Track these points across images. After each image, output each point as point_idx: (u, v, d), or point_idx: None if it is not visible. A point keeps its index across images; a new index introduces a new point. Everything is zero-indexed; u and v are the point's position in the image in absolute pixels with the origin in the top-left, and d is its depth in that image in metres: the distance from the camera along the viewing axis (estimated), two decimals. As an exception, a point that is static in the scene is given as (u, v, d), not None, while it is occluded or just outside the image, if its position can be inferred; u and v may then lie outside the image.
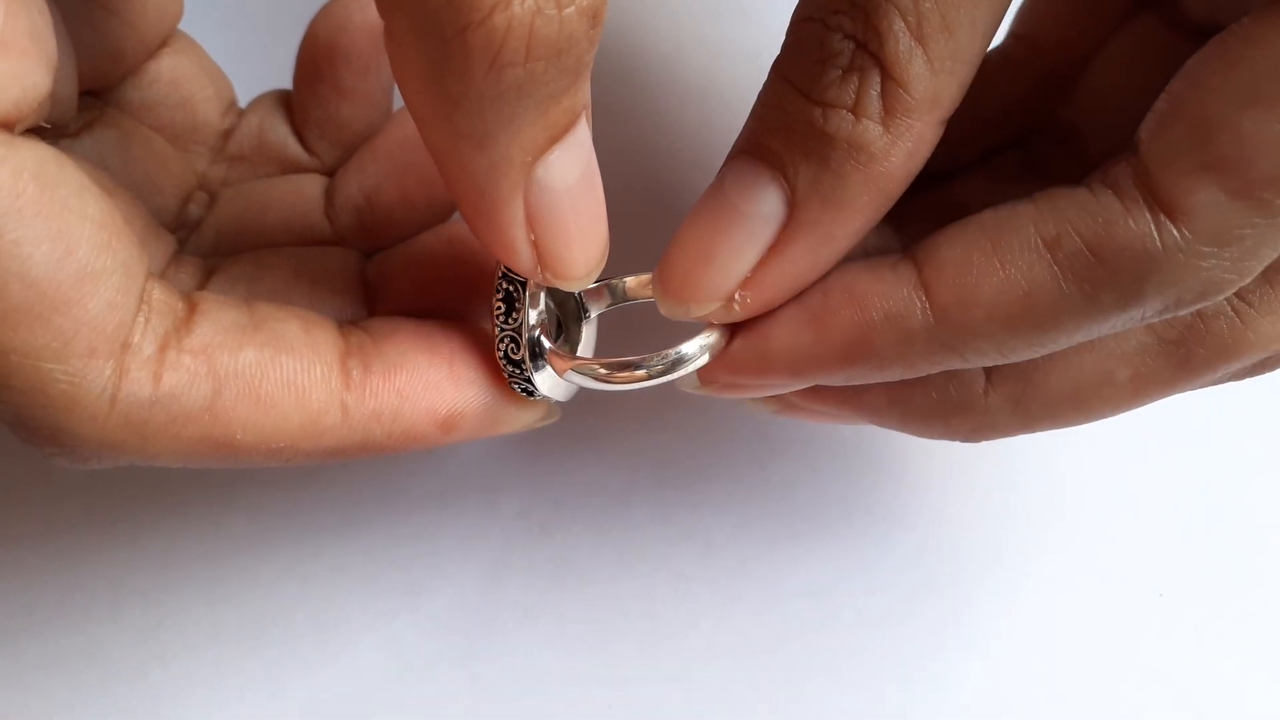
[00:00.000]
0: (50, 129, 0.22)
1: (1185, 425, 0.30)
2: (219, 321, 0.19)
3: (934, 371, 0.20)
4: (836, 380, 0.20)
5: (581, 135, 0.17)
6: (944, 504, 0.29)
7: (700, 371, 0.21)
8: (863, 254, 0.21)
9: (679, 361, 0.20)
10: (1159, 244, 0.17)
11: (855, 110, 0.18)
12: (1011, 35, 0.25)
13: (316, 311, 0.21)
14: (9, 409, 0.17)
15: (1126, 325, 0.19)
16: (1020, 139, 0.25)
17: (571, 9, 0.15)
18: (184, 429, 0.18)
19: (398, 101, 0.26)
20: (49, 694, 0.27)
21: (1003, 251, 0.18)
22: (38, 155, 0.16)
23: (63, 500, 0.29)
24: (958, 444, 0.25)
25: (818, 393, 0.23)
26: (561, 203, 0.18)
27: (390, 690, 0.27)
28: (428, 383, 0.20)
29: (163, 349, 0.18)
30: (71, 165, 0.17)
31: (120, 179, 0.23)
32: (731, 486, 0.29)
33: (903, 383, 0.22)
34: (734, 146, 0.20)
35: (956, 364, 0.19)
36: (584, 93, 0.17)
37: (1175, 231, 0.17)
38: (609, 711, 0.27)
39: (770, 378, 0.21)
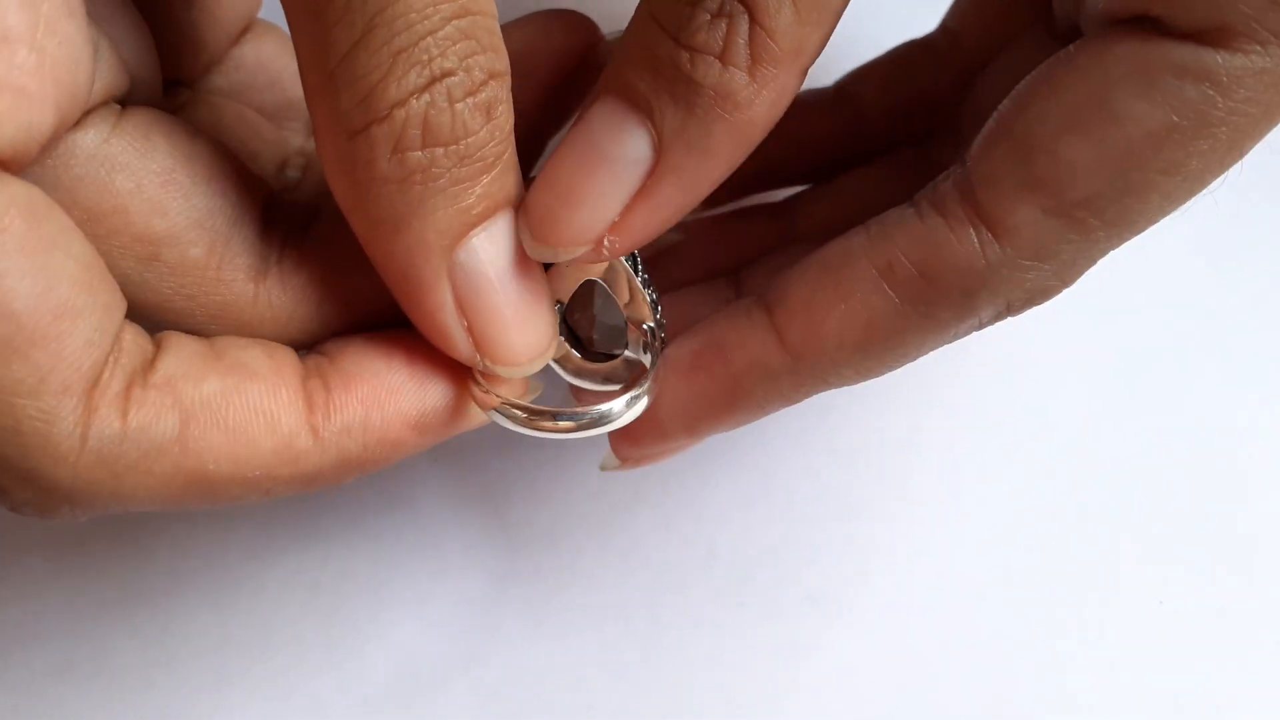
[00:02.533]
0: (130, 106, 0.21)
1: (1187, 432, 0.30)
2: (180, 353, 0.19)
3: (804, 398, 0.21)
4: (725, 427, 0.22)
5: (504, 225, 0.19)
6: (945, 511, 0.29)
7: (614, 451, 0.23)
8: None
9: (605, 417, 0.20)
10: (984, 260, 0.19)
11: (723, 57, 0.18)
12: (940, 27, 0.26)
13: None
14: None
15: (967, 331, 0.20)
16: (926, 135, 0.26)
17: (462, 104, 0.17)
18: (155, 464, 0.18)
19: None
20: (57, 701, 0.27)
21: (843, 286, 0.20)
22: (28, 193, 0.16)
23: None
24: (961, 450, 0.25)
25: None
26: (490, 287, 0.19)
27: (395, 697, 0.27)
28: (389, 387, 0.20)
29: (129, 386, 0.18)
30: (59, 209, 0.17)
31: (214, 144, 0.22)
32: (734, 494, 0.29)
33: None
34: (600, 82, 0.20)
35: (822, 389, 0.21)
36: (502, 183, 0.18)
37: (998, 248, 0.19)
38: (613, 717, 0.27)
39: (670, 440, 0.22)
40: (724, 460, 0.29)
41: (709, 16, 0.18)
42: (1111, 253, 0.20)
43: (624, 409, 0.20)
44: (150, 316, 0.21)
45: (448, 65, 0.17)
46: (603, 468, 0.24)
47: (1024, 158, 0.18)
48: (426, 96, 0.17)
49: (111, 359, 0.18)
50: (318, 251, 0.21)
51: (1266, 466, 0.30)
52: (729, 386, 0.21)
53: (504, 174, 0.18)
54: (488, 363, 0.19)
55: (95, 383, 0.17)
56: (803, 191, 0.27)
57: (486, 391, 0.20)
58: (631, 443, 0.22)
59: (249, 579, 0.28)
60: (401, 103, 0.17)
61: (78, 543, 0.28)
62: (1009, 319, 0.21)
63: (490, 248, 0.18)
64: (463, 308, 0.19)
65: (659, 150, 0.19)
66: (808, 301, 0.20)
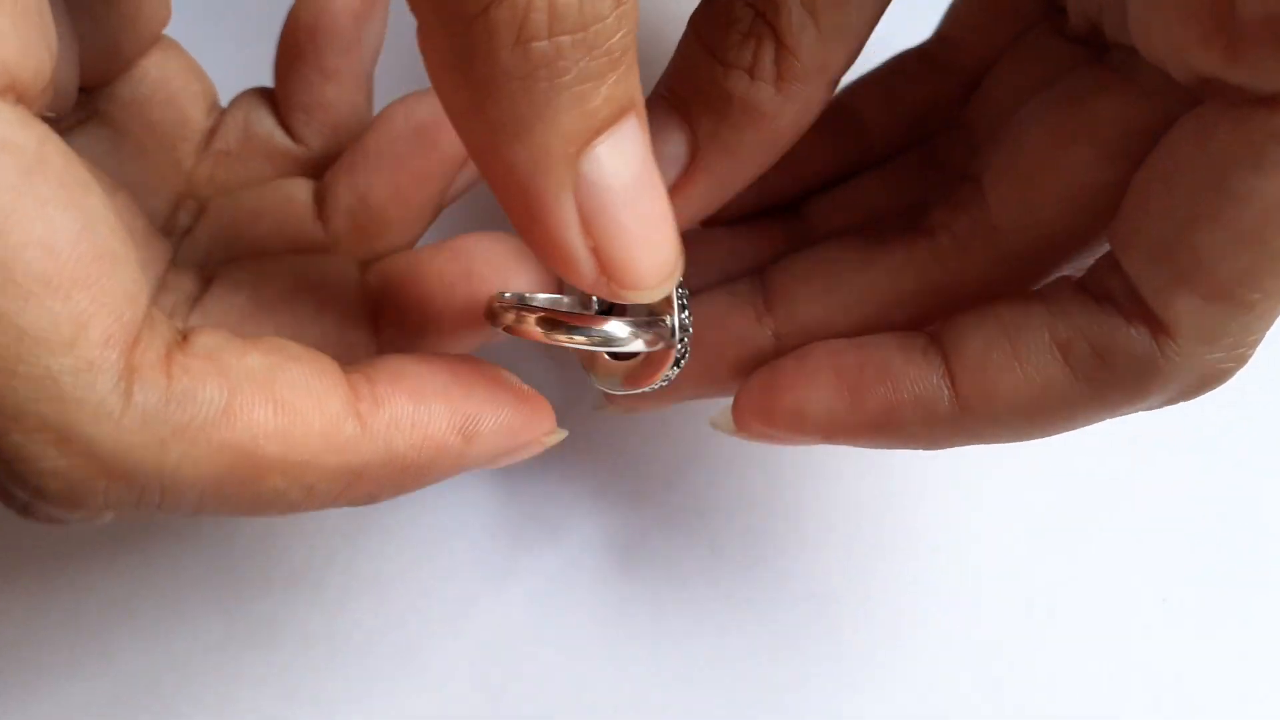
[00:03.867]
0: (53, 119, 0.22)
1: (1190, 431, 0.30)
2: (214, 334, 0.17)
3: (951, 447, 0.22)
4: (860, 445, 0.22)
5: (631, 131, 0.17)
6: (949, 509, 0.29)
7: (736, 419, 0.23)
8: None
9: (615, 341, 0.20)
10: (1156, 352, 0.19)
11: (752, 72, 0.20)
12: (935, 36, 0.27)
13: (320, 320, 0.21)
14: (9, 409, 0.15)
15: (1133, 413, 0.21)
16: (926, 137, 0.27)
17: None
18: (202, 434, 0.16)
19: (381, 89, 0.26)
20: (63, 699, 0.27)
21: (1020, 351, 0.20)
22: (55, 136, 0.15)
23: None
24: (965, 450, 0.25)
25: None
26: (617, 201, 0.17)
27: (400, 693, 0.27)
28: (436, 387, 0.19)
29: (169, 353, 0.16)
30: (77, 158, 0.16)
31: (115, 179, 0.23)
32: (738, 491, 0.29)
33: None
34: (655, 87, 0.21)
35: (974, 443, 0.21)
36: (627, 85, 0.16)
37: (1169, 341, 0.19)
38: (616, 714, 0.27)
39: (802, 436, 0.22)
40: (727, 457, 0.30)
41: (740, 36, 0.20)
42: None
43: (628, 337, 0.20)
44: None
45: None
46: (715, 426, 0.24)
47: (1164, 254, 0.19)
48: None
49: (148, 323, 0.16)
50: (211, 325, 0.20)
51: (1272, 462, 0.30)
52: (887, 411, 0.21)
53: (629, 71, 0.16)
54: (614, 286, 0.18)
55: (136, 341, 0.16)
56: (811, 195, 0.27)
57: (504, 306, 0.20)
58: (766, 422, 0.22)
59: (254, 576, 0.28)
60: None
61: (83, 542, 0.28)
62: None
63: (616, 157, 0.17)
64: (587, 225, 0.17)
65: (693, 149, 0.21)
66: (984, 358, 0.20)
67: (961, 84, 0.26)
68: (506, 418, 0.20)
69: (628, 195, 0.17)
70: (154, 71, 0.25)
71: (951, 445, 0.21)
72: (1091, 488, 0.30)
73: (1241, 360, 0.20)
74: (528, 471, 0.29)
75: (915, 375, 0.21)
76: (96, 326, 0.15)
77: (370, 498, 0.19)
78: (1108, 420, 0.21)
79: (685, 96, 0.21)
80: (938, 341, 0.21)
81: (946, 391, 0.21)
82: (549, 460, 0.30)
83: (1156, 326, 0.19)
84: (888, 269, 0.23)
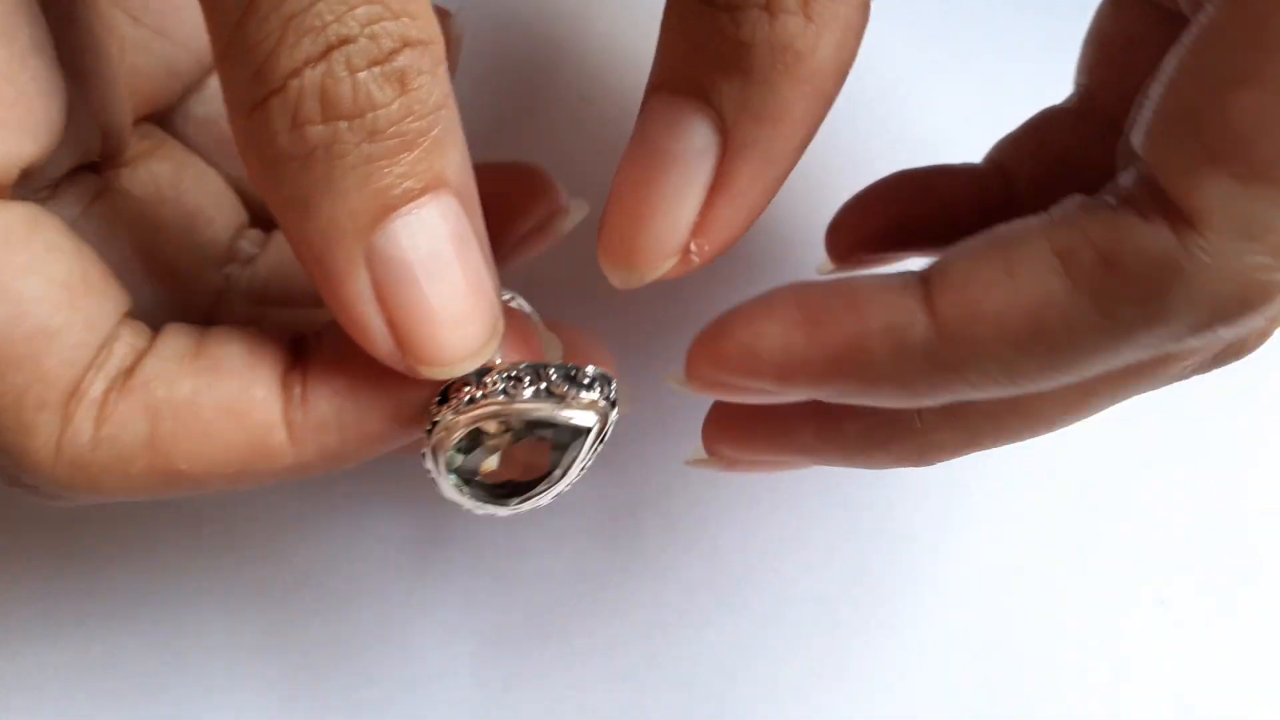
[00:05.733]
0: (101, 161, 0.22)
1: (1187, 431, 0.30)
2: (164, 352, 0.19)
3: (933, 402, 0.18)
4: (825, 394, 0.19)
5: (435, 208, 0.17)
6: (949, 511, 0.29)
7: (687, 365, 0.20)
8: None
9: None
10: (1179, 249, 0.15)
11: (769, 7, 0.16)
12: (1075, 88, 0.24)
13: None
14: None
15: (1155, 350, 0.16)
16: (1083, 189, 0.24)
17: (366, 73, 0.16)
18: (128, 466, 0.18)
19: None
20: (68, 701, 0.27)
21: (1013, 263, 0.17)
22: (5, 218, 0.17)
23: (80, 509, 0.29)
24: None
25: (751, 441, 0.22)
26: (413, 276, 0.17)
27: (401, 697, 0.27)
28: (368, 378, 0.19)
29: (108, 391, 0.18)
30: (47, 223, 0.17)
31: (172, 209, 0.23)
32: (738, 494, 0.29)
33: (831, 414, 0.21)
34: (647, 85, 0.18)
35: (957, 389, 0.18)
36: (430, 163, 0.16)
37: (1195, 236, 0.15)
38: (618, 715, 0.27)
39: (756, 378, 0.19)
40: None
41: None
42: None
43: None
44: None
45: (345, 31, 0.15)
46: (666, 380, 0.21)
47: (1192, 128, 0.15)
48: (323, 65, 0.15)
49: (95, 366, 0.18)
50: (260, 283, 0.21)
51: (1269, 465, 0.30)
52: (852, 344, 0.18)
53: (432, 153, 0.16)
54: (410, 361, 0.17)
55: (74, 393, 0.18)
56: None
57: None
58: (714, 364, 0.19)
59: (258, 581, 0.28)
60: (296, 72, 0.15)
61: (88, 544, 0.28)
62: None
63: (415, 233, 0.16)
64: (382, 299, 0.17)
65: (724, 131, 0.17)
66: (969, 274, 0.17)
67: (1104, 132, 0.23)
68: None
69: (426, 271, 0.17)
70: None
71: (933, 393, 0.18)
72: (1088, 489, 0.30)
73: (1272, 287, 0.15)
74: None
75: (886, 300, 0.18)
76: (30, 396, 0.17)
77: (320, 474, 0.20)
78: (1119, 364, 0.17)
79: (691, 73, 0.17)
80: (922, 274, 0.18)
81: (922, 315, 0.17)
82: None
83: (1179, 219, 0.15)
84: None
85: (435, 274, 0.17)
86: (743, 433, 0.22)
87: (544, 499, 0.20)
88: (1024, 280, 0.16)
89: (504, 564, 0.29)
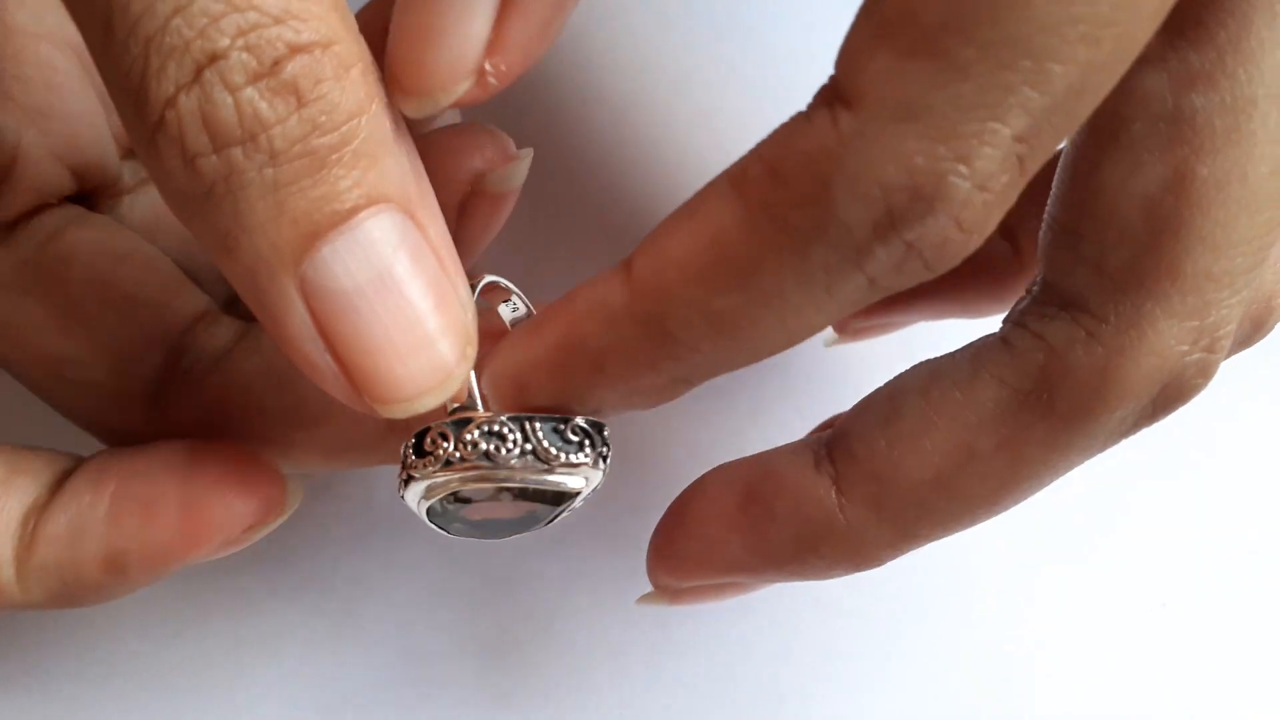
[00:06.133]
0: (97, 192, 0.23)
1: (1188, 434, 0.30)
2: None
3: (661, 376, 0.16)
4: (572, 397, 0.17)
5: (369, 226, 0.15)
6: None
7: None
8: None
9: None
10: (834, 135, 0.14)
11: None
12: None
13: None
14: None
15: (841, 263, 0.14)
16: None
17: (250, 90, 0.14)
18: None
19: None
20: (72, 702, 0.27)
21: (695, 202, 0.16)
22: None
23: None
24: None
25: (684, 563, 0.21)
26: (350, 305, 0.15)
27: (405, 699, 0.27)
28: (81, 525, 0.18)
29: None
30: None
31: (171, 236, 0.22)
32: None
33: (752, 526, 0.20)
34: None
35: (673, 351, 0.16)
36: (356, 181, 0.15)
37: (849, 116, 0.14)
38: (620, 717, 0.27)
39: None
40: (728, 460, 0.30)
41: None
42: None
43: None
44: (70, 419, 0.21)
45: (213, 47, 0.14)
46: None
47: (867, 6, 0.14)
48: (196, 89, 0.14)
49: None
50: (219, 383, 0.20)
51: (1274, 467, 0.30)
52: (567, 331, 0.17)
53: (355, 168, 0.15)
54: (365, 399, 0.15)
55: None
56: None
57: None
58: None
59: (262, 583, 0.28)
60: (170, 101, 0.14)
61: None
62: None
63: (347, 259, 0.15)
64: (324, 335, 0.15)
65: None
66: (655, 233, 0.16)
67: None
68: (158, 542, 0.19)
69: (367, 298, 0.15)
70: None
71: (653, 362, 0.16)
72: (1091, 492, 0.30)
73: (961, 155, 0.13)
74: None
75: (593, 283, 0.16)
76: None
77: (57, 609, 0.20)
78: (819, 294, 0.15)
79: None
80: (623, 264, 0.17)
81: (620, 281, 0.16)
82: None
83: (840, 105, 0.14)
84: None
85: (379, 300, 0.15)
86: (676, 554, 0.21)
87: (534, 530, 0.19)
88: (702, 214, 0.15)
89: (506, 567, 0.29)
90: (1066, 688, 0.28)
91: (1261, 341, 0.31)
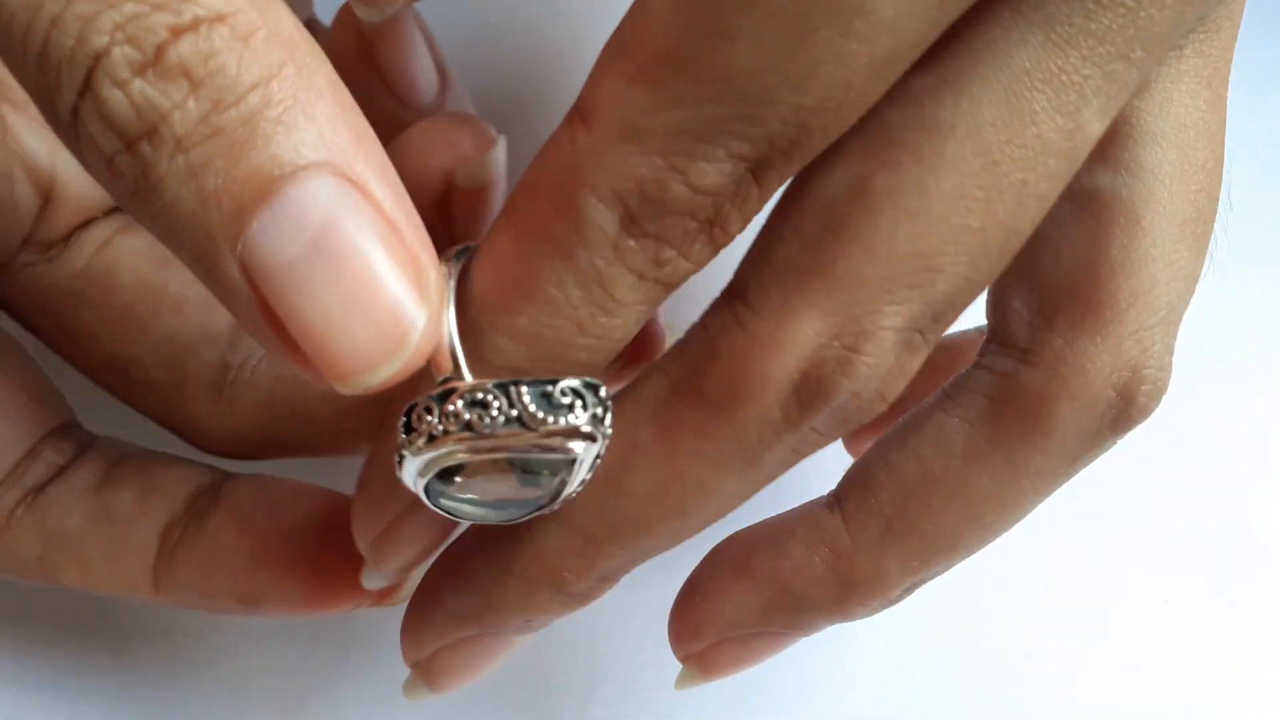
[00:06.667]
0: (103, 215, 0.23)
1: (1191, 432, 0.30)
2: (72, 479, 0.21)
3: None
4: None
5: (290, 198, 0.14)
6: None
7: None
8: None
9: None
10: (572, 147, 0.15)
11: None
12: None
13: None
14: None
15: (609, 260, 0.15)
16: None
17: (139, 82, 0.13)
18: (20, 571, 0.22)
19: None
20: (76, 701, 0.28)
21: (488, 237, 0.17)
22: None
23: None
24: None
25: (701, 623, 0.23)
26: (286, 281, 0.14)
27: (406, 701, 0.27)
28: (226, 563, 0.21)
29: (16, 504, 0.21)
30: None
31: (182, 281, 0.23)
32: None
33: (773, 573, 0.22)
34: None
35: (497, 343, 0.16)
36: (270, 153, 0.14)
37: (583, 130, 0.15)
38: (621, 716, 0.27)
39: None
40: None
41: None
42: None
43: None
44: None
45: (94, 49, 0.13)
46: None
47: (613, 38, 0.15)
48: (90, 95, 0.14)
49: (13, 478, 0.21)
50: (274, 373, 0.22)
51: (1274, 464, 0.30)
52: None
53: (274, 138, 0.14)
54: (326, 378, 0.15)
55: None
56: None
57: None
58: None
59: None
60: (74, 111, 0.14)
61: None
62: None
63: (275, 234, 0.14)
64: (268, 312, 0.14)
65: None
66: (478, 254, 0.17)
67: None
68: (290, 595, 0.22)
69: (300, 271, 0.14)
70: None
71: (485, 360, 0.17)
72: (1093, 489, 0.30)
73: (690, 174, 0.15)
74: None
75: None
76: None
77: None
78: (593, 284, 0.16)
79: None
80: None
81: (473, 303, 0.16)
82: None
83: (579, 122, 0.15)
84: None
85: (316, 271, 0.14)
86: (690, 613, 0.22)
87: (547, 511, 0.17)
88: (490, 242, 0.16)
89: (509, 565, 0.29)
90: (1068, 686, 0.28)
91: (1261, 341, 0.31)
